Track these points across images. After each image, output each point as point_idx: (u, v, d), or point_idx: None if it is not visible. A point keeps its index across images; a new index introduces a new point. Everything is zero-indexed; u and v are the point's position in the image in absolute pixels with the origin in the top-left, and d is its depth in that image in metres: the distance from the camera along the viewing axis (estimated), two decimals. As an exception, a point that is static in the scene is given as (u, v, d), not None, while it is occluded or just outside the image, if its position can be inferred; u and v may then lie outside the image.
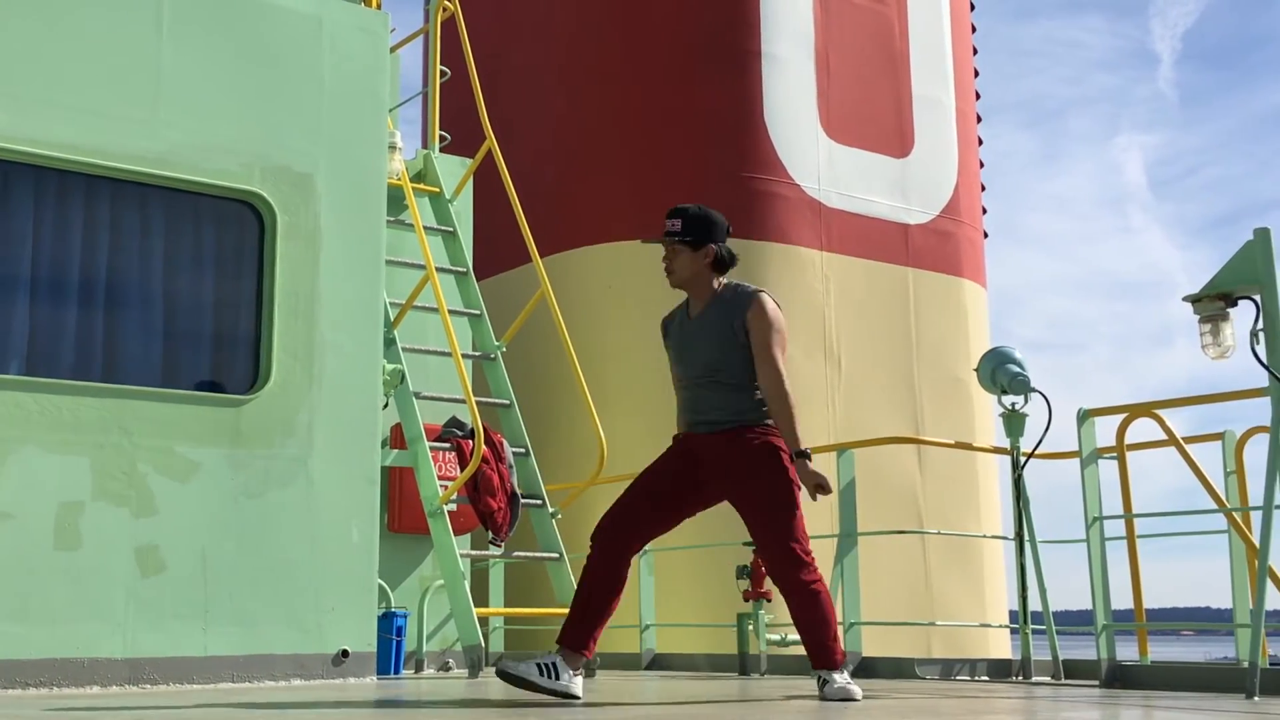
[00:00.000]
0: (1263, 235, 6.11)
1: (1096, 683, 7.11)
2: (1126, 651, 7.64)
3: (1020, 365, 8.08)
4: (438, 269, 9.46)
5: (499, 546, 9.14)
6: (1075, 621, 9.87)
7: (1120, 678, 7.02)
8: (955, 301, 13.24)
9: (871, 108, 13.16)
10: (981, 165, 14.41)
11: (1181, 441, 7.71)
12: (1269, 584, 6.19)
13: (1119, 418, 7.71)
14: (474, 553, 9.22)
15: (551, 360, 11.34)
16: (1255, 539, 6.92)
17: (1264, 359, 6.03)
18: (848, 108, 12.95)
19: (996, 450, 9.39)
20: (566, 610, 6.16)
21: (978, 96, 14.61)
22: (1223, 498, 8.05)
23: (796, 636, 6.22)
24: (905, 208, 13.11)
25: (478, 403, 8.94)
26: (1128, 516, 8.02)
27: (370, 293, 7.87)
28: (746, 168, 12.23)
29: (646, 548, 9.68)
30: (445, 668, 9.68)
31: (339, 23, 7.98)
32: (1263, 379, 6.13)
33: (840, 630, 8.48)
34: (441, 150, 10.82)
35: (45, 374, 6.82)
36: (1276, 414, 6.00)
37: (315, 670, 7.28)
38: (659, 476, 6.17)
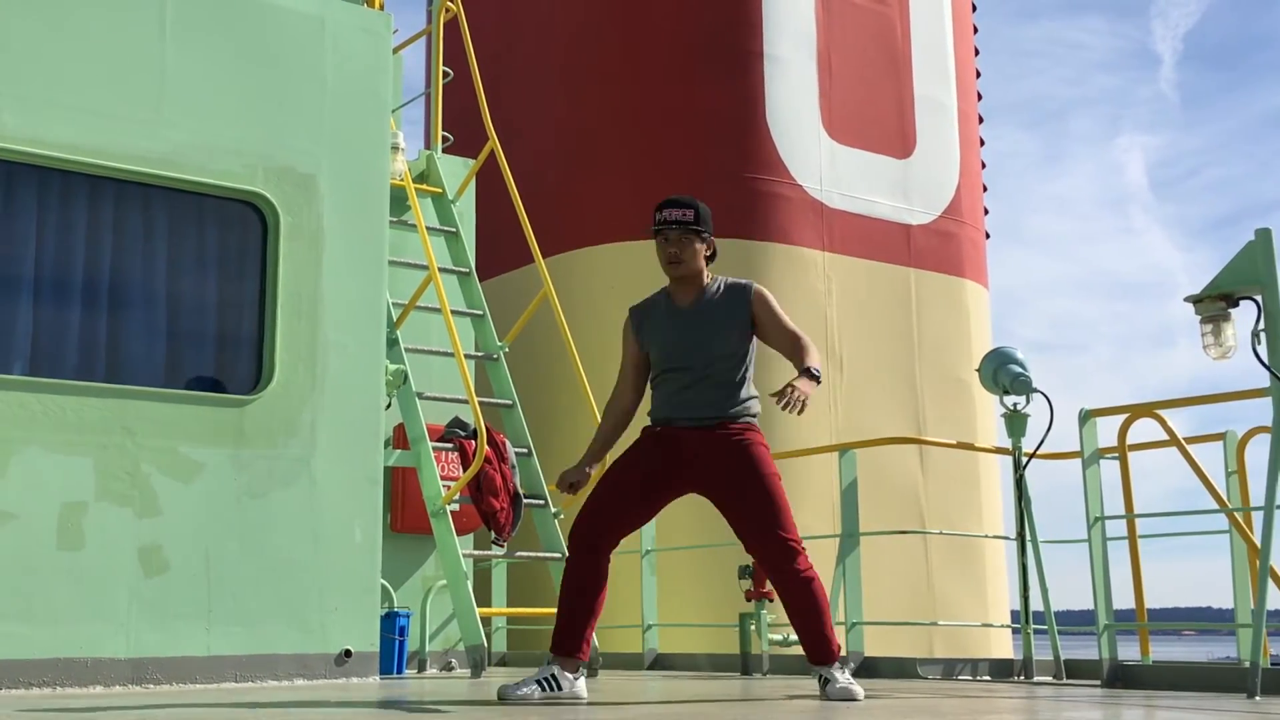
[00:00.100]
0: (1264, 236, 6.10)
1: (1098, 682, 7.11)
2: (1128, 651, 7.64)
3: (1022, 365, 8.08)
4: (440, 269, 9.46)
5: (501, 546, 9.14)
6: (1077, 621, 9.85)
7: (1122, 677, 7.02)
8: (957, 302, 13.24)
9: (873, 108, 13.16)
10: (983, 166, 14.41)
11: (1183, 442, 7.71)
12: (1270, 584, 6.18)
13: (1120, 418, 7.70)
14: (476, 553, 9.22)
15: (554, 360, 11.34)
16: (1256, 539, 6.92)
17: (1265, 359, 6.03)
18: (849, 108, 12.95)
19: (998, 450, 9.39)
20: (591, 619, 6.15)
21: (979, 97, 14.60)
22: (1224, 498, 8.04)
23: (798, 637, 6.20)
24: (907, 208, 13.11)
25: (480, 403, 8.94)
26: (1129, 516, 8.02)
27: (373, 293, 7.87)
28: (748, 168, 12.23)
29: (649, 548, 9.70)
30: (448, 668, 9.67)
31: (341, 23, 7.98)
32: (1264, 379, 6.12)
33: (841, 628, 8.54)
34: (444, 151, 10.83)
35: (49, 374, 6.82)
36: (1278, 414, 6.00)
37: (318, 670, 7.28)
38: (634, 472, 6.08)
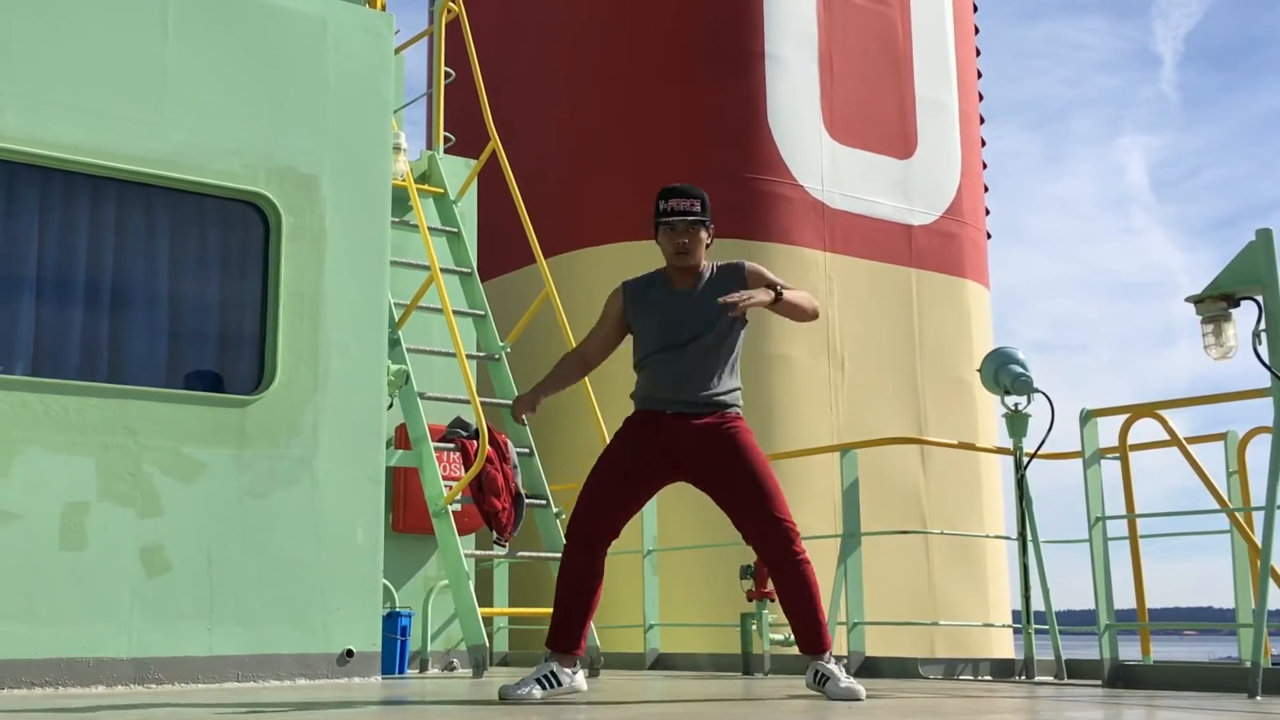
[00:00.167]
0: (1265, 236, 6.10)
1: (1099, 682, 7.10)
2: (1129, 651, 7.64)
3: (1023, 366, 8.07)
4: (442, 270, 9.46)
5: (503, 546, 9.14)
6: (1078, 621, 9.85)
7: (1123, 677, 7.02)
8: (958, 302, 13.24)
9: (875, 109, 13.16)
10: (984, 166, 14.41)
11: (1184, 442, 7.71)
12: (1271, 583, 6.18)
13: (1121, 418, 7.70)
14: (478, 553, 9.22)
15: (555, 361, 11.32)
16: (1257, 539, 6.92)
17: (1266, 359, 6.03)
18: (851, 109, 12.95)
19: (999, 450, 9.39)
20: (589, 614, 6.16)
21: (980, 98, 14.60)
22: (1225, 498, 8.04)
23: (791, 625, 6.18)
24: (908, 209, 13.11)
25: (482, 403, 8.94)
26: (1130, 516, 8.02)
27: (375, 293, 7.87)
28: (750, 169, 12.23)
29: (650, 548, 9.70)
30: (450, 667, 9.67)
31: (344, 24, 7.98)
32: (1265, 379, 6.12)
33: (842, 628, 8.54)
34: (446, 151, 10.83)
35: (51, 374, 6.82)
36: (1279, 414, 6.00)
37: (320, 670, 7.28)
38: (628, 463, 6.06)
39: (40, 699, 5.98)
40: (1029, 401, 8.10)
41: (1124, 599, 7.48)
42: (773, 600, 8.60)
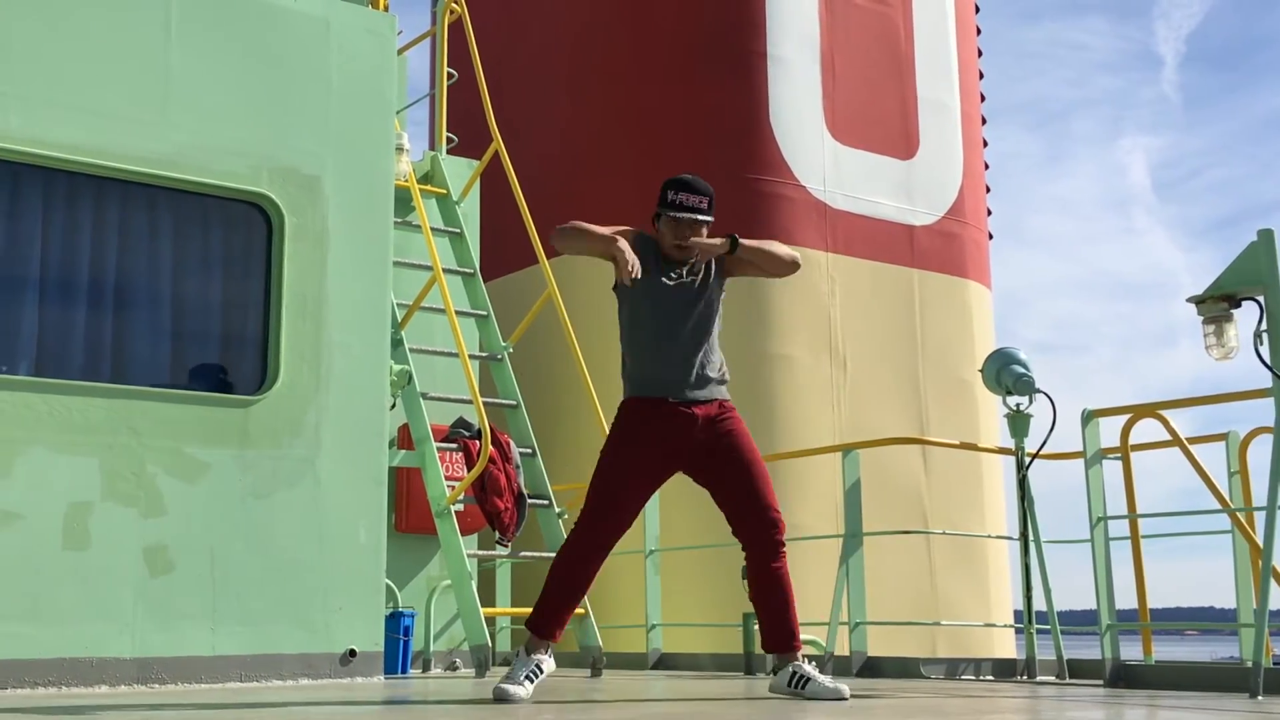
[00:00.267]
0: (1266, 237, 6.10)
1: (1101, 682, 7.10)
2: (1131, 651, 7.64)
3: (1025, 366, 8.07)
4: (445, 270, 9.46)
5: (506, 546, 9.14)
6: (1080, 621, 9.85)
7: (1124, 677, 7.01)
8: (960, 302, 13.23)
9: (876, 110, 13.15)
10: (986, 167, 14.40)
11: (1185, 442, 7.70)
12: (1272, 583, 6.17)
13: (1123, 418, 7.70)
14: (481, 553, 9.22)
15: (558, 361, 11.34)
16: (1259, 539, 6.91)
17: (1267, 360, 6.02)
18: (853, 110, 12.94)
19: (1001, 451, 9.38)
20: (577, 610, 6.17)
21: (982, 98, 14.59)
22: (1226, 498, 8.04)
23: (766, 622, 6.16)
24: (910, 209, 13.10)
25: (485, 403, 8.94)
26: (1132, 517, 8.01)
27: (378, 294, 7.87)
28: (752, 169, 12.23)
29: (652, 548, 9.70)
30: (452, 667, 9.67)
31: (346, 25, 7.98)
32: (1266, 380, 6.12)
33: (844, 628, 8.54)
34: (448, 152, 10.84)
35: (54, 375, 6.82)
36: (1280, 414, 6.00)
37: (323, 670, 7.28)
38: (639, 460, 6.05)
39: (43, 699, 5.98)
40: (1031, 402, 8.09)
41: (1125, 599, 7.48)
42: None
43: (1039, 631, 8.12)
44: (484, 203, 10.92)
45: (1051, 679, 7.85)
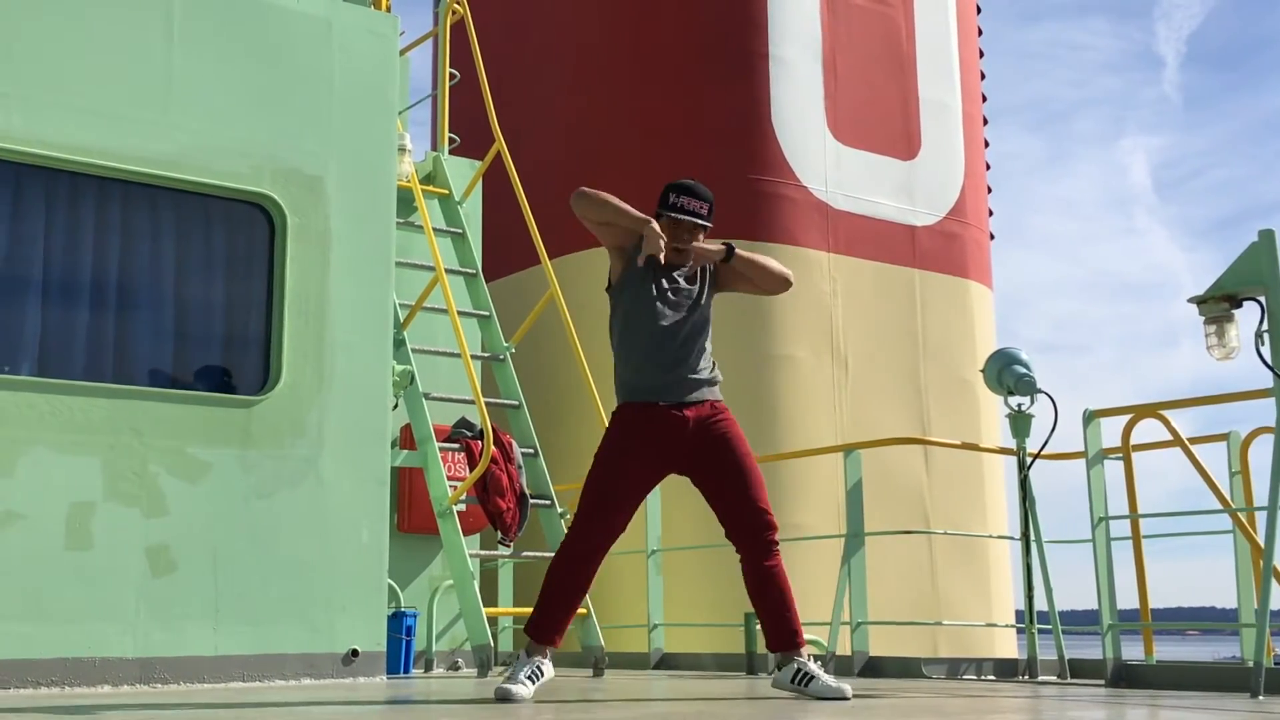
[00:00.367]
0: (1267, 237, 6.09)
1: (1102, 682, 7.10)
2: (1132, 651, 7.62)
3: (1026, 366, 8.06)
4: (447, 270, 9.46)
5: (508, 546, 9.14)
6: (1081, 621, 9.85)
7: (1126, 677, 7.01)
8: (961, 303, 13.23)
9: (878, 110, 13.16)
10: (988, 167, 14.40)
11: (1187, 442, 7.70)
12: (1274, 583, 6.17)
13: (1124, 418, 7.69)
14: (483, 553, 9.22)
15: (560, 361, 11.34)
16: (1260, 539, 6.91)
17: (1269, 360, 6.02)
18: (855, 110, 12.95)
19: (1003, 451, 9.38)
20: (578, 611, 6.17)
21: (984, 99, 14.60)
22: (1228, 498, 8.03)
23: (767, 621, 6.16)
24: (912, 210, 13.11)
25: (487, 403, 8.94)
26: (1133, 517, 8.01)
27: (380, 294, 7.87)
28: (754, 170, 12.23)
29: (655, 548, 9.70)
30: (455, 667, 9.67)
31: (349, 25, 7.98)
32: (1267, 380, 6.11)
33: (845, 628, 8.54)
34: (451, 152, 10.83)
35: (57, 375, 6.82)
36: (1282, 415, 5.99)
37: (325, 670, 7.27)
38: (631, 462, 6.06)
39: (46, 698, 5.99)
40: (1032, 402, 8.09)
41: (1127, 599, 7.48)
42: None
43: (1040, 631, 8.12)
44: (486, 203, 10.91)
45: (1053, 679, 7.84)
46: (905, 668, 8.30)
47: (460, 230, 10.22)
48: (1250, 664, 6.19)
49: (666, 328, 6.07)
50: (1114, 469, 7.74)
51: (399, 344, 8.91)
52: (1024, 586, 8.07)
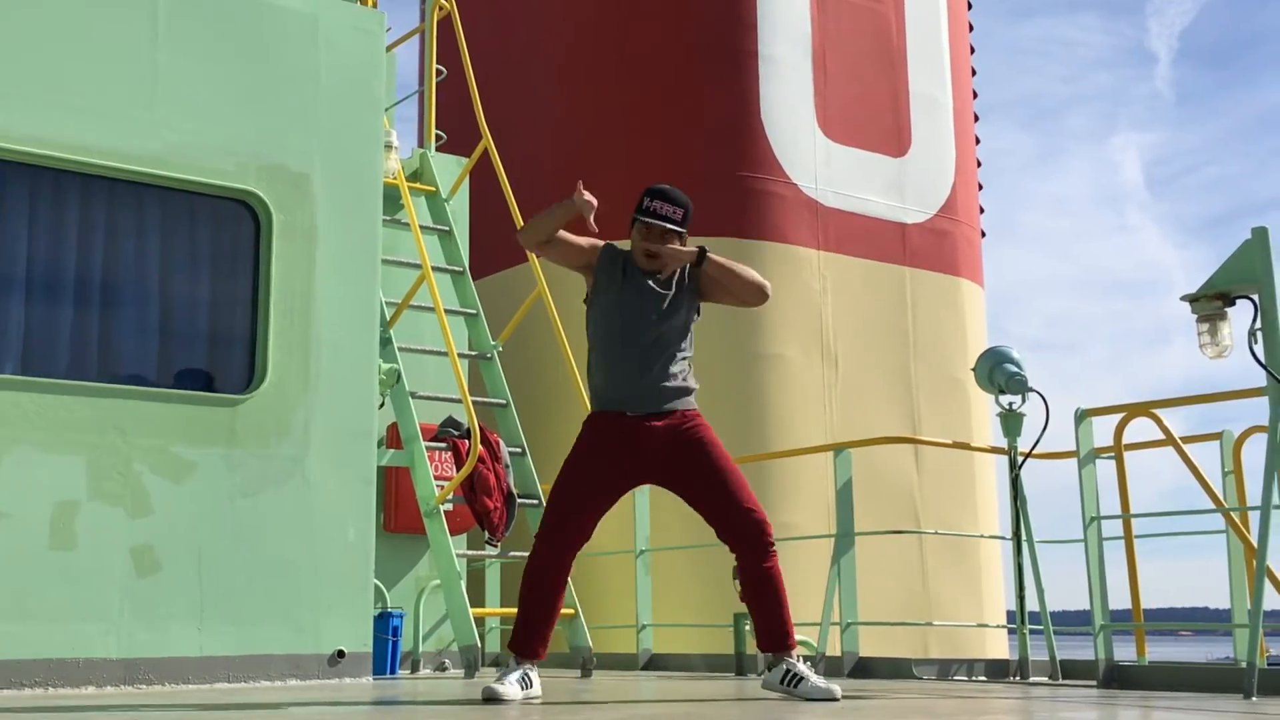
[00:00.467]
0: (1260, 234, 6.11)
1: (1094, 683, 7.11)
2: (1124, 652, 7.64)
3: (1017, 365, 8.08)
4: (434, 268, 9.46)
5: (495, 546, 9.14)
6: (1073, 622, 9.88)
7: (1118, 678, 7.03)
8: (952, 301, 13.25)
9: (868, 107, 13.17)
10: (979, 164, 14.42)
11: (1179, 441, 7.72)
12: (1267, 584, 6.19)
13: (1117, 417, 7.71)
14: (470, 553, 9.23)
15: (547, 360, 11.35)
16: (1253, 539, 6.93)
17: (1262, 358, 6.04)
18: (845, 107, 12.96)
19: (994, 450, 9.40)
20: (562, 611, 6.16)
21: (975, 95, 14.62)
22: (1220, 497, 8.06)
23: (759, 623, 6.15)
24: (902, 207, 13.12)
25: (474, 402, 8.95)
26: (1125, 516, 8.03)
27: (366, 292, 7.87)
28: (744, 167, 12.24)
29: (643, 548, 9.71)
30: (441, 668, 9.68)
31: (335, 21, 7.98)
32: (1261, 378, 6.13)
33: (835, 628, 8.55)
34: (438, 149, 10.83)
35: (41, 373, 6.82)
36: (1274, 413, 6.01)
37: (311, 670, 7.28)
38: (600, 467, 6.05)
39: (30, 699, 5.98)
40: (1023, 401, 8.10)
41: (1119, 599, 7.50)
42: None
43: (1032, 632, 8.13)
44: (473, 200, 10.91)
45: (1044, 680, 7.86)
46: (896, 668, 8.32)
47: (447, 227, 10.22)
48: (1244, 664, 6.21)
49: (635, 335, 6.06)
50: (1106, 468, 7.76)
51: (385, 342, 8.91)
52: (1015, 586, 8.09)
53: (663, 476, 6.11)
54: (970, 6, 14.98)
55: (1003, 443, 8.27)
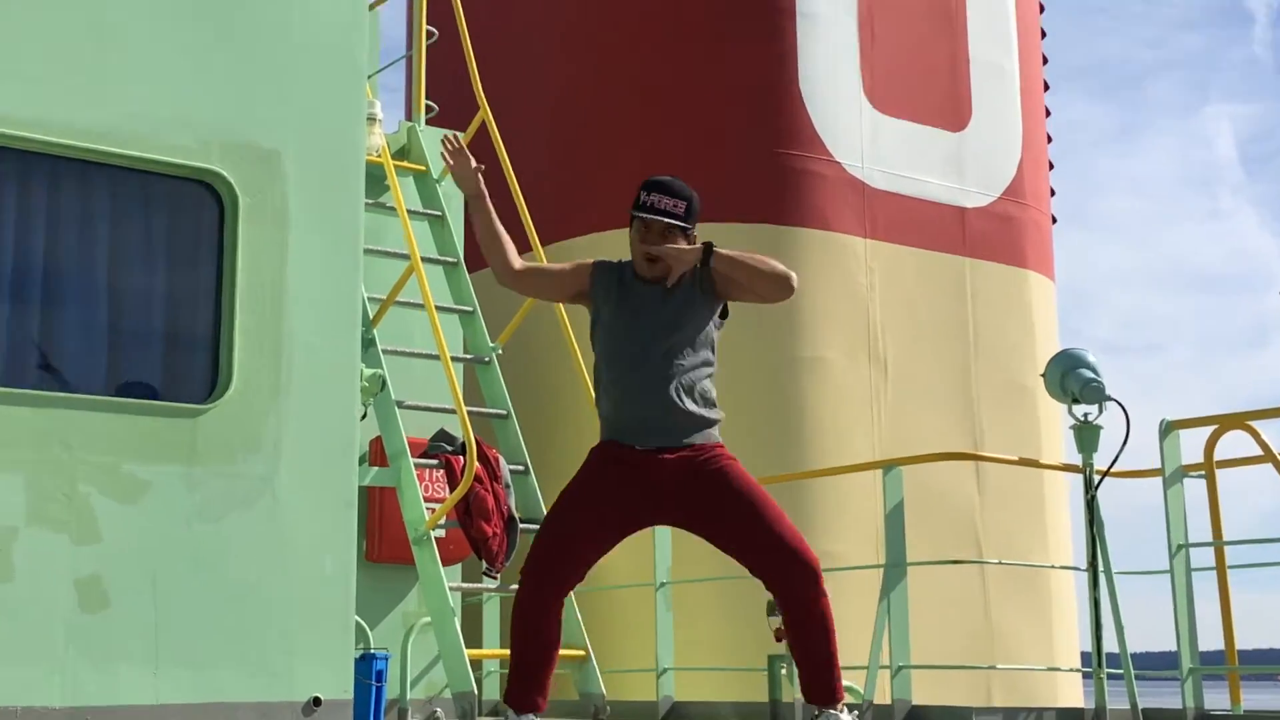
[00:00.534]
0: (1374, 219, 6.07)
1: (1182, 735, 7.09)
2: (1216, 699, 7.61)
3: (1094, 370, 8.06)
4: (423, 259, 9.46)
5: (494, 578, 9.14)
6: (1157, 665, 9.84)
7: (1209, 730, 7.00)
8: (1019, 296, 13.23)
9: (923, 74, 13.15)
10: (1049, 140, 14.40)
11: (1279, 457, 7.69)
12: (1382, 622, 6.16)
13: (1207, 430, 7.69)
14: (465, 585, 9.23)
15: (553, 364, 11.35)
16: (1366, 570, 6.90)
17: (1376, 362, 6.00)
18: (895, 74, 12.94)
19: (1067, 468, 9.38)
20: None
21: (1045, 61, 14.60)
22: (1328, 522, 8.02)
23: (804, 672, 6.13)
24: (961, 189, 13.10)
25: (470, 413, 8.94)
26: (1218, 544, 8.00)
27: (346, 286, 7.86)
28: (779, 143, 12.23)
29: (664, 580, 9.69)
30: (432, 717, 9.68)
31: (310, -24, 7.98)
32: (1374, 385, 6.09)
33: (885, 671, 8.52)
34: (428, 122, 10.85)
35: (-27, 380, 6.82)
36: (1390, 426, 5.98)
37: (282, 720, 7.28)
38: (596, 502, 6.02)
39: (-40, 754, 5.98)
40: (1100, 411, 8.08)
41: (1210, 639, 7.47)
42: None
43: (1110, 676, 8.11)
44: (469, 181, 10.91)
45: (1125, 732, 7.84)
46: (953, 718, 8.29)
47: (439, 212, 10.23)
48: (1354, 715, 6.18)
49: (641, 355, 5.99)
50: (1195, 488, 7.74)
51: (368, 344, 8.91)
52: (1091, 624, 8.07)
53: (680, 516, 6.05)
54: (1039, -41, 14.98)
55: (1076, 459, 8.24)
